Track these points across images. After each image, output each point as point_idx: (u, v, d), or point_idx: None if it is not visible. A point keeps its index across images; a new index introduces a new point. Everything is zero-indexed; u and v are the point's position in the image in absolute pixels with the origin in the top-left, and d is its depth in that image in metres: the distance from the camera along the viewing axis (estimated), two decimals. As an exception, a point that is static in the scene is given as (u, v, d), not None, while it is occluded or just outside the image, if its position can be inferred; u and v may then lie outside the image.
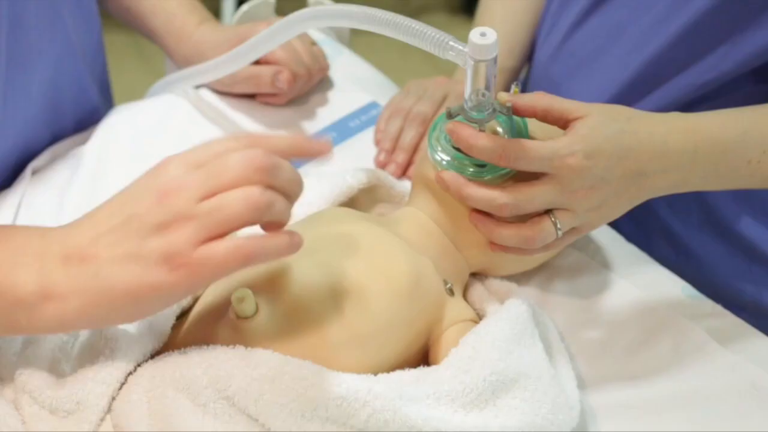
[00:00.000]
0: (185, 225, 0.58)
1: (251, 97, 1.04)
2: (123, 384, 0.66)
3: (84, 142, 0.98)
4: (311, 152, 0.63)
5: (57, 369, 0.66)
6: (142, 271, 0.58)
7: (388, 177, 0.87)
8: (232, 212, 0.58)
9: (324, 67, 1.07)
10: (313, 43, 1.08)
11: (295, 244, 0.60)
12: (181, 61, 1.05)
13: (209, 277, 0.59)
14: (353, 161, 0.94)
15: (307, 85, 1.05)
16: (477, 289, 0.80)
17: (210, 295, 0.71)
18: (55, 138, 0.97)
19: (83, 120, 1.01)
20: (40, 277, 0.60)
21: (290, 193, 0.61)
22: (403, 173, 0.96)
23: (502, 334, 0.69)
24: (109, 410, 0.66)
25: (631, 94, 0.93)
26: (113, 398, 0.66)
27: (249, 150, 0.59)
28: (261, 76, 1.00)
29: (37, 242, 0.62)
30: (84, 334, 0.68)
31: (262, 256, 0.59)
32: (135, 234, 0.58)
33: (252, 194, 0.58)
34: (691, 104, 0.90)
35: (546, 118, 0.72)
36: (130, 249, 0.58)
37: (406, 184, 0.87)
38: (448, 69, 0.93)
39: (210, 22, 1.05)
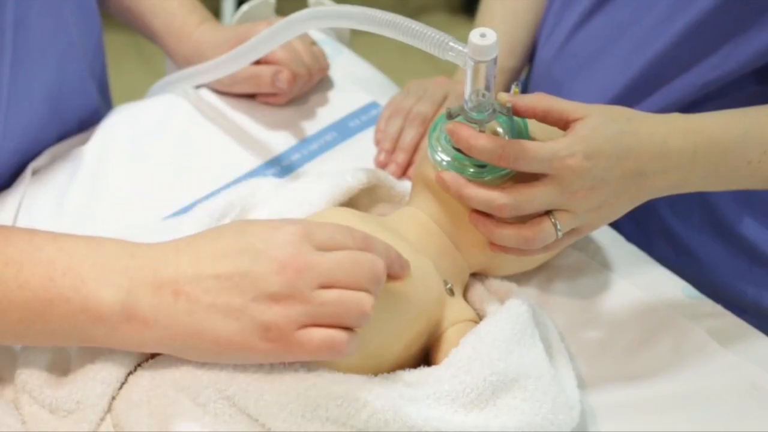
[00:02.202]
0: (297, 305, 0.59)
1: (251, 97, 1.04)
2: (123, 384, 0.66)
3: (84, 142, 0.98)
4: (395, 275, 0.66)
5: (57, 369, 0.66)
6: (238, 329, 0.59)
7: (388, 177, 0.87)
8: (345, 313, 0.60)
9: (324, 67, 1.07)
10: (313, 43, 1.08)
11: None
12: (181, 61, 1.05)
13: (297, 357, 0.61)
14: (353, 161, 0.94)
15: (307, 85, 1.05)
16: (477, 289, 0.80)
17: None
18: (58, 139, 0.97)
19: (85, 120, 1.01)
20: (127, 298, 0.60)
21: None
22: (403, 173, 0.96)
23: (503, 334, 0.69)
24: (109, 410, 0.66)
25: (633, 94, 0.93)
26: (113, 398, 0.66)
27: (375, 257, 0.63)
28: (261, 76, 1.00)
29: (127, 261, 0.62)
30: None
31: (348, 354, 0.61)
32: (244, 292, 0.59)
33: (366, 304, 0.61)
34: (693, 104, 0.90)
35: (546, 118, 0.72)
36: (234, 304, 0.59)
37: (406, 184, 0.87)
38: (448, 69, 0.93)
39: (210, 22, 1.05)
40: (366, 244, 0.63)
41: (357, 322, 0.61)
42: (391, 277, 0.65)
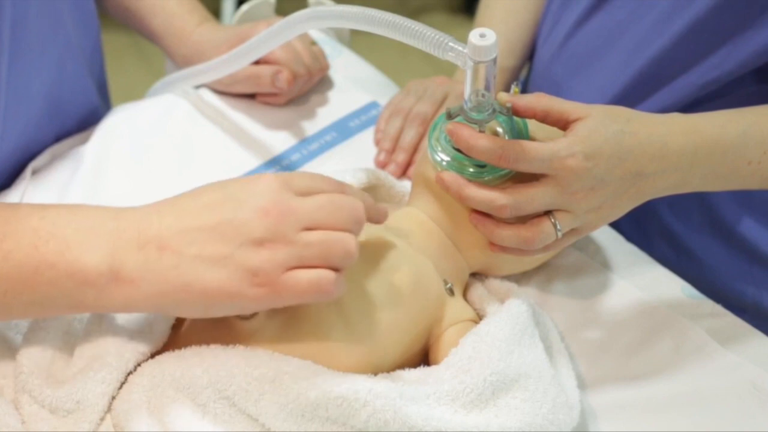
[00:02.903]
0: (282, 249, 0.60)
1: (251, 97, 1.04)
2: (123, 383, 0.66)
3: (84, 141, 0.98)
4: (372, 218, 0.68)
5: (57, 368, 0.66)
6: (226, 277, 0.60)
7: (388, 177, 0.87)
8: (330, 253, 0.61)
9: (324, 67, 1.07)
10: (313, 43, 1.08)
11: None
12: (181, 62, 1.04)
13: (286, 301, 0.62)
14: (353, 161, 0.94)
15: (307, 84, 1.05)
16: (477, 289, 0.80)
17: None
18: (57, 138, 0.97)
19: (84, 120, 1.01)
20: (113, 259, 0.60)
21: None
22: (403, 173, 0.96)
23: (503, 334, 0.69)
24: (109, 410, 0.66)
25: (633, 94, 0.93)
26: (113, 398, 0.66)
27: (354, 199, 0.64)
28: (261, 76, 1.00)
29: (111, 224, 0.62)
30: (84, 333, 0.68)
31: (336, 294, 0.62)
32: (230, 240, 0.60)
33: (351, 243, 0.62)
34: (693, 104, 0.90)
35: (546, 119, 0.72)
36: (220, 252, 0.60)
37: (406, 184, 0.87)
38: (448, 69, 0.93)
39: (210, 22, 1.05)
40: (342, 188, 0.65)
41: (343, 262, 0.62)
42: (370, 219, 0.66)
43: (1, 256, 0.61)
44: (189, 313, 0.64)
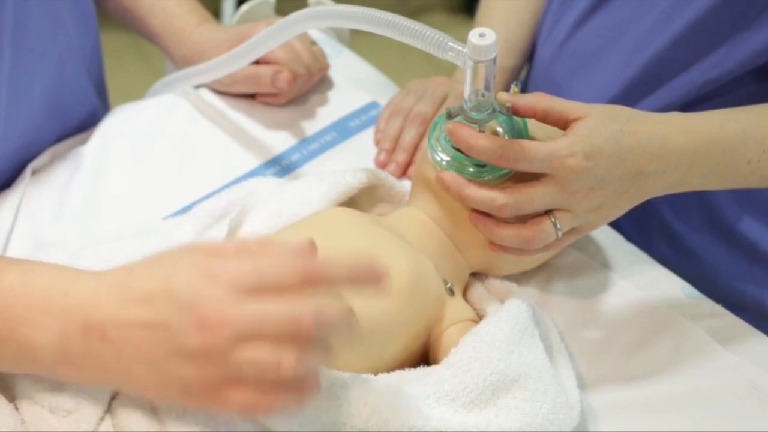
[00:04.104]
0: (212, 368, 0.55)
1: (251, 96, 1.04)
2: None
3: (84, 142, 0.98)
4: (369, 282, 0.57)
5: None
6: (159, 383, 0.58)
7: (388, 177, 0.87)
8: (262, 375, 0.55)
9: (324, 67, 1.07)
10: (313, 43, 1.08)
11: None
12: (181, 62, 1.04)
13: (217, 413, 0.61)
14: (353, 161, 0.94)
15: (307, 84, 1.05)
16: (477, 289, 0.80)
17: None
18: (57, 139, 0.97)
19: (84, 120, 1.01)
20: (60, 343, 0.59)
21: (328, 346, 0.57)
22: (403, 173, 0.96)
23: (503, 334, 0.69)
24: (108, 410, 0.66)
25: (633, 93, 0.93)
26: (113, 398, 0.66)
27: (307, 310, 0.54)
28: (261, 76, 0.99)
29: (60, 302, 0.60)
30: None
31: (275, 416, 0.59)
32: (163, 346, 0.56)
33: (286, 365, 0.54)
34: (693, 103, 0.90)
35: (546, 118, 0.72)
36: (154, 358, 0.57)
37: (406, 184, 0.87)
38: (448, 69, 0.92)
39: (210, 23, 1.05)
40: (312, 278, 0.56)
41: (276, 386, 0.55)
42: (368, 282, 0.58)
43: None
44: (136, 394, 0.62)
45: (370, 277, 0.57)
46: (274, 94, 1.02)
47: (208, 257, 0.57)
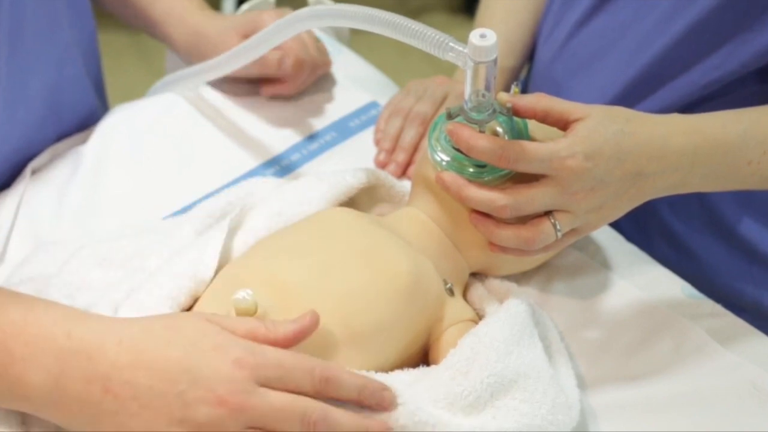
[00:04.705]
0: None
1: (252, 96, 1.04)
2: None
3: (83, 141, 0.98)
4: (374, 406, 0.62)
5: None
6: None
7: (388, 177, 0.87)
8: None
9: (327, 62, 1.07)
10: (318, 40, 1.08)
11: None
12: (183, 48, 1.03)
13: None
14: (353, 161, 0.94)
15: (311, 77, 1.04)
16: (477, 289, 0.80)
17: (210, 296, 0.71)
18: (57, 138, 0.97)
19: (83, 120, 1.01)
20: (57, 386, 0.58)
21: None
22: (403, 173, 0.96)
23: (501, 335, 0.69)
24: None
25: (634, 94, 0.93)
26: None
27: (316, 410, 0.59)
28: (266, 59, 0.97)
29: (62, 342, 0.59)
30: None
31: None
32: (172, 413, 0.57)
33: None
34: (695, 104, 0.90)
35: (546, 119, 0.72)
36: (159, 422, 0.57)
37: (405, 184, 0.87)
38: (448, 69, 0.92)
39: (210, 10, 1.05)
40: (325, 387, 0.60)
41: None
42: (374, 407, 0.62)
43: None
44: None
45: (377, 403, 0.61)
46: (279, 83, 1.01)
47: (232, 338, 0.59)
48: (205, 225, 0.80)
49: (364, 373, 0.65)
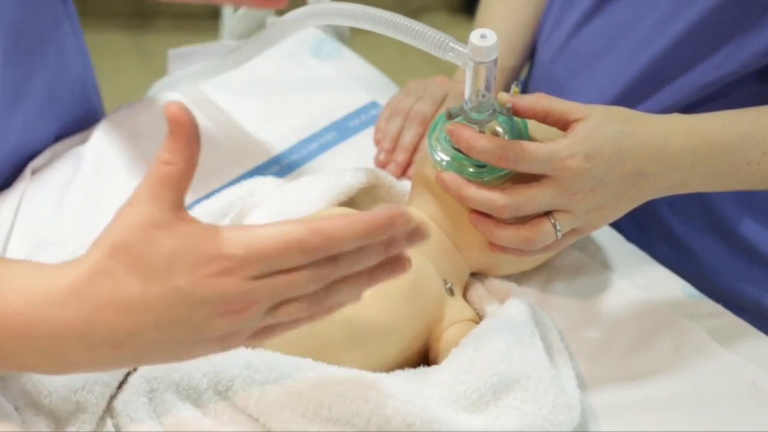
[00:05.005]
0: (246, 330, 0.56)
1: (252, 96, 1.04)
2: (122, 383, 0.66)
3: (84, 141, 0.98)
4: (391, 229, 0.55)
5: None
6: (195, 354, 0.57)
7: (388, 176, 0.87)
8: (292, 323, 0.57)
9: None
10: None
11: None
12: None
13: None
14: (353, 161, 0.94)
15: None
16: (477, 289, 0.80)
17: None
18: (57, 138, 0.97)
19: (84, 120, 1.01)
20: (61, 363, 0.57)
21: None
22: (403, 173, 0.96)
23: (502, 335, 0.69)
24: (108, 410, 0.66)
25: (635, 94, 0.93)
26: (112, 397, 0.66)
27: (318, 274, 0.55)
28: None
29: (44, 328, 0.55)
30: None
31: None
32: (187, 337, 0.55)
33: (323, 303, 0.56)
34: (695, 104, 0.90)
35: (546, 119, 0.72)
36: (179, 345, 0.56)
37: (405, 184, 0.87)
38: (448, 69, 0.92)
39: None
40: (321, 252, 0.54)
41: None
42: (411, 239, 0.55)
43: None
44: None
45: (401, 233, 0.54)
46: None
47: (206, 254, 0.55)
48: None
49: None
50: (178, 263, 0.54)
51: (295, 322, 0.57)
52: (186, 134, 0.56)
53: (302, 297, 0.55)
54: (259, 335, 0.56)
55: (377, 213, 0.54)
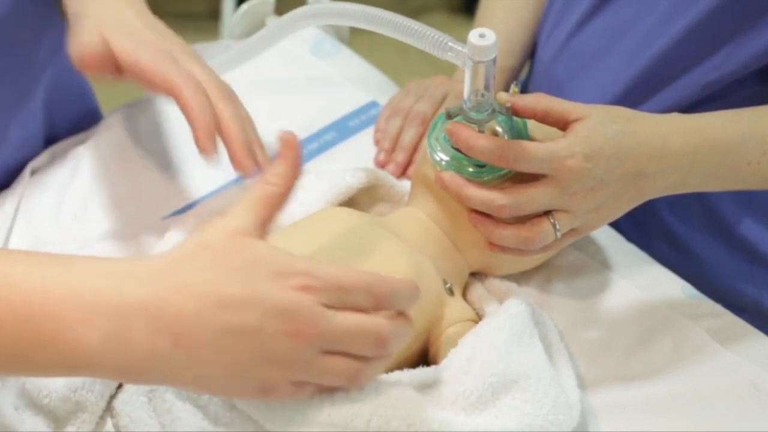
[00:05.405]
0: (299, 371, 0.57)
1: (252, 96, 1.04)
2: (122, 384, 0.66)
3: (83, 142, 0.98)
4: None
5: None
6: (237, 386, 0.56)
7: (387, 176, 0.87)
8: (337, 380, 0.59)
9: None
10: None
11: None
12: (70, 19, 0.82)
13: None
14: (353, 161, 0.94)
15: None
16: (477, 289, 0.80)
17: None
18: (55, 139, 0.97)
19: (82, 121, 1.01)
20: (119, 344, 0.54)
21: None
22: (402, 173, 0.96)
23: (502, 335, 0.69)
24: (108, 410, 0.66)
25: (635, 94, 0.93)
26: (112, 397, 0.66)
27: (384, 324, 0.58)
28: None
29: (114, 299, 0.55)
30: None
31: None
32: (250, 353, 0.55)
33: (361, 376, 0.59)
34: (695, 104, 0.90)
35: (545, 119, 0.72)
36: (238, 364, 0.55)
37: (405, 184, 0.87)
38: (448, 69, 0.92)
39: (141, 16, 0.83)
40: (384, 301, 0.59)
41: (346, 387, 0.60)
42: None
43: (10, 315, 0.54)
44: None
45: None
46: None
47: (286, 261, 0.57)
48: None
49: None
50: (261, 269, 0.55)
51: (327, 384, 0.59)
52: (294, 163, 0.59)
53: (352, 355, 0.58)
54: (297, 387, 0.58)
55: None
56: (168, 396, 0.64)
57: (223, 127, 0.76)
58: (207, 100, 0.76)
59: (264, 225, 0.58)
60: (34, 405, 0.65)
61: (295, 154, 0.60)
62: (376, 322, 0.58)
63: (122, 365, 0.55)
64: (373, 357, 0.59)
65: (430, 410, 0.64)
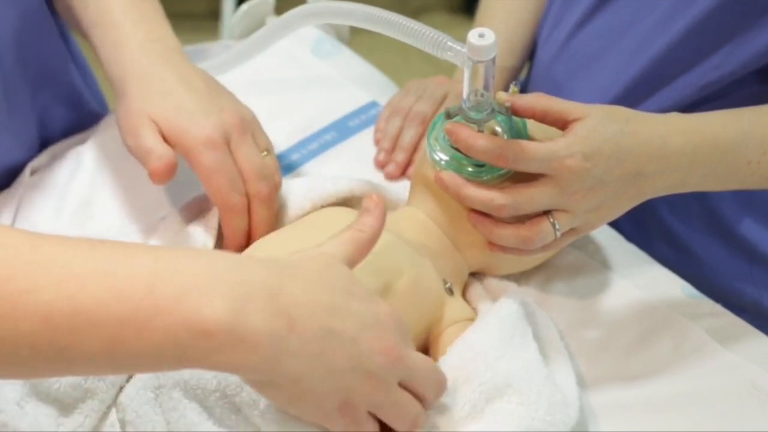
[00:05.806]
0: (380, 393, 0.59)
1: (252, 96, 1.04)
2: (130, 377, 0.67)
3: (83, 141, 0.98)
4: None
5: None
6: (328, 390, 0.57)
7: (380, 185, 0.87)
8: (400, 420, 0.61)
9: (276, 184, 0.82)
10: (268, 153, 0.84)
11: None
12: (115, 84, 0.82)
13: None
14: (353, 161, 0.94)
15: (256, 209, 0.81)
16: (476, 289, 0.80)
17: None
18: (53, 139, 0.97)
19: (82, 121, 1.00)
20: (237, 317, 0.53)
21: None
22: (402, 173, 0.96)
23: (490, 341, 0.68)
24: (113, 404, 0.66)
25: (634, 94, 0.93)
26: (121, 389, 0.66)
27: (441, 373, 0.64)
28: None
29: (235, 275, 0.55)
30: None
31: None
32: (349, 359, 0.57)
33: (418, 421, 0.62)
34: (695, 104, 0.90)
35: (545, 119, 0.72)
36: (337, 367, 0.57)
37: (399, 190, 0.86)
38: (448, 69, 0.92)
39: (164, 41, 0.83)
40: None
41: (400, 430, 0.61)
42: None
43: (113, 296, 0.52)
44: (265, 394, 0.59)
45: None
46: None
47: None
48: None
49: None
50: (358, 288, 0.60)
51: (392, 421, 0.61)
52: (379, 217, 0.66)
53: (416, 396, 0.62)
54: (367, 418, 0.60)
55: None
56: (175, 393, 0.65)
57: (252, 228, 0.80)
58: (245, 216, 0.79)
59: (351, 263, 0.63)
60: (41, 393, 0.65)
61: (381, 212, 0.66)
62: (439, 369, 0.64)
63: (238, 337, 0.53)
64: (430, 400, 0.63)
65: (433, 419, 0.64)
